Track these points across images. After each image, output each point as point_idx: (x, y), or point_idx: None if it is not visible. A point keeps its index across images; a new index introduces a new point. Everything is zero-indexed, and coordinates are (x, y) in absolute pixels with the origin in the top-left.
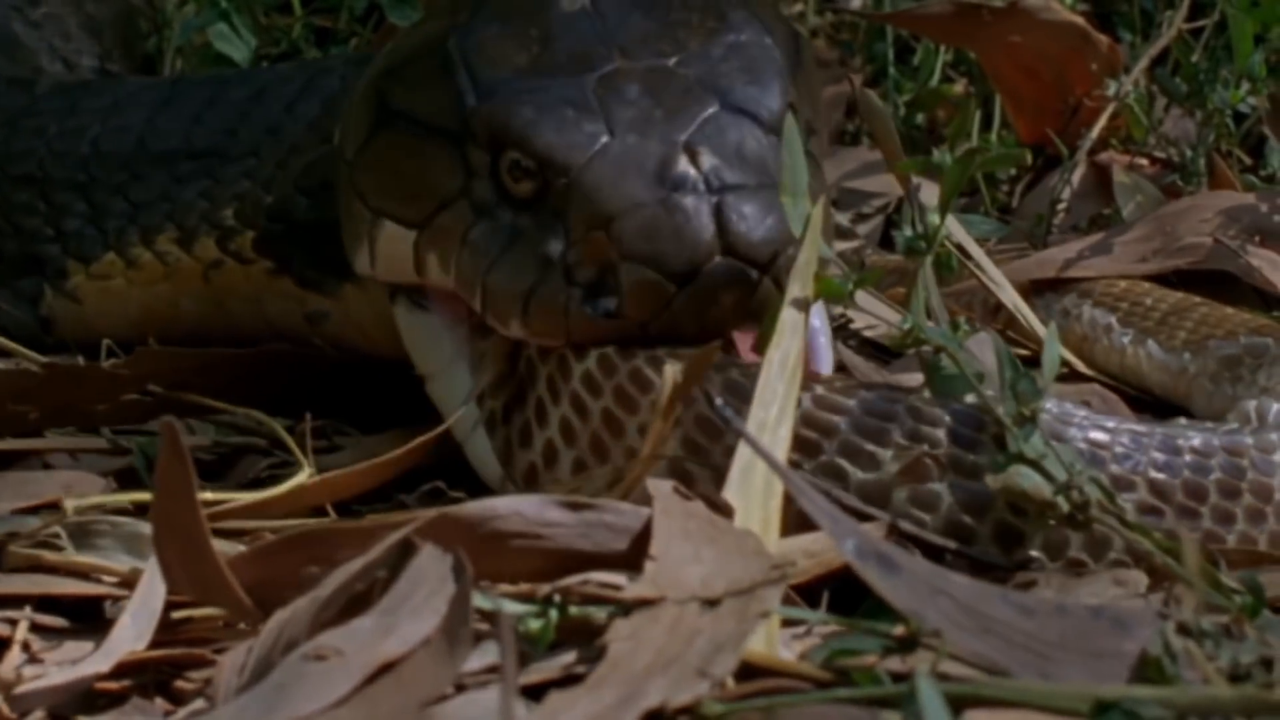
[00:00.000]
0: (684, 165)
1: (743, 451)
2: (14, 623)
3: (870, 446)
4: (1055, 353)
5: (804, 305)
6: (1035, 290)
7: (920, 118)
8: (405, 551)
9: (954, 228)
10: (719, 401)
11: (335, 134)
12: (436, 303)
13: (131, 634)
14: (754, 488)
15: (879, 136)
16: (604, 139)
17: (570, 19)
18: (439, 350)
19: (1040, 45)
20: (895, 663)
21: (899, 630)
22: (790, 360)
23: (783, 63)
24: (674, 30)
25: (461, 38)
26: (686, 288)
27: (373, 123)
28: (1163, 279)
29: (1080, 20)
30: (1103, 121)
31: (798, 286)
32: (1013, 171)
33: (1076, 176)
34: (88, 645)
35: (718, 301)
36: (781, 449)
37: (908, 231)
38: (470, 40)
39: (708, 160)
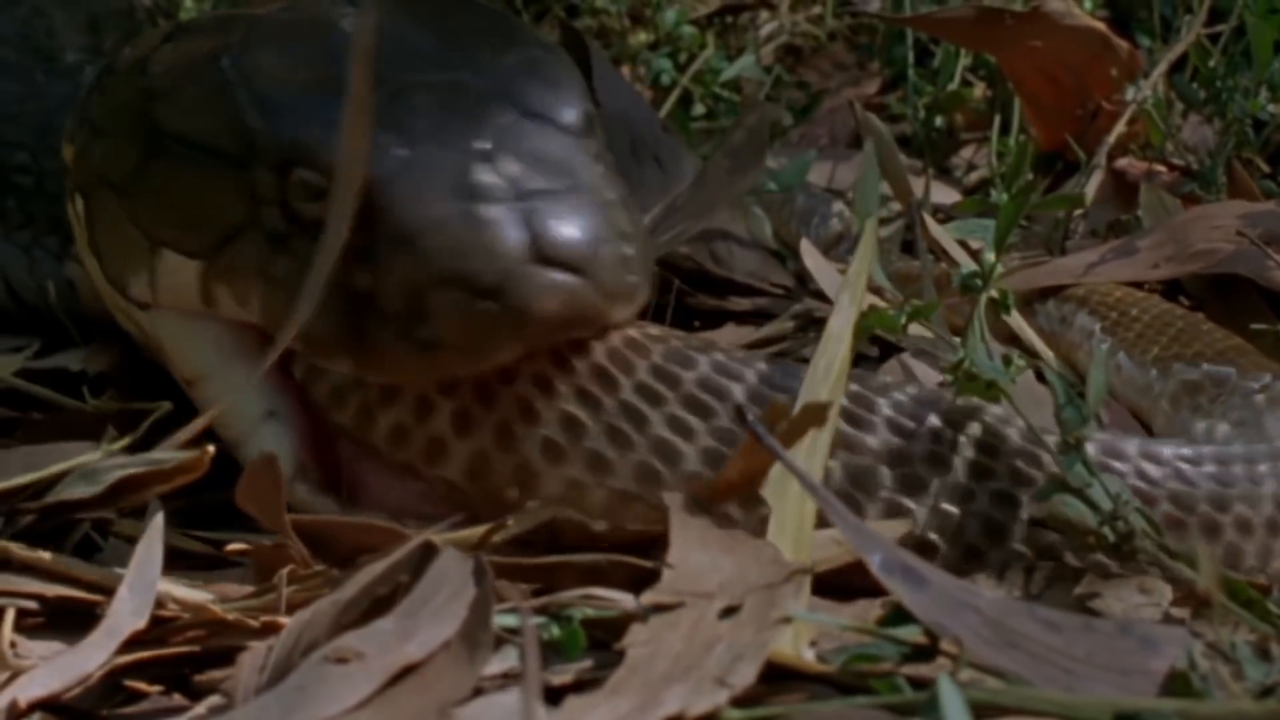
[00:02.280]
0: (485, 174)
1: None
2: None
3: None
4: (1101, 380)
5: (852, 316)
6: (1039, 296)
7: (939, 121)
8: (427, 554)
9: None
10: (751, 416)
11: (63, 141)
12: None
13: (129, 610)
14: (789, 492)
15: (882, 161)
16: (401, 151)
17: (349, 40)
18: (207, 351)
19: (1061, 50)
20: (914, 670)
21: (919, 638)
22: (834, 368)
23: (576, 70)
24: (461, 48)
25: (236, 57)
26: (501, 303)
27: (144, 147)
28: (1177, 285)
29: (1101, 26)
30: (1121, 127)
31: (847, 296)
32: (1030, 176)
33: (1095, 182)
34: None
35: (536, 314)
36: (820, 458)
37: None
38: (247, 60)
39: (510, 167)
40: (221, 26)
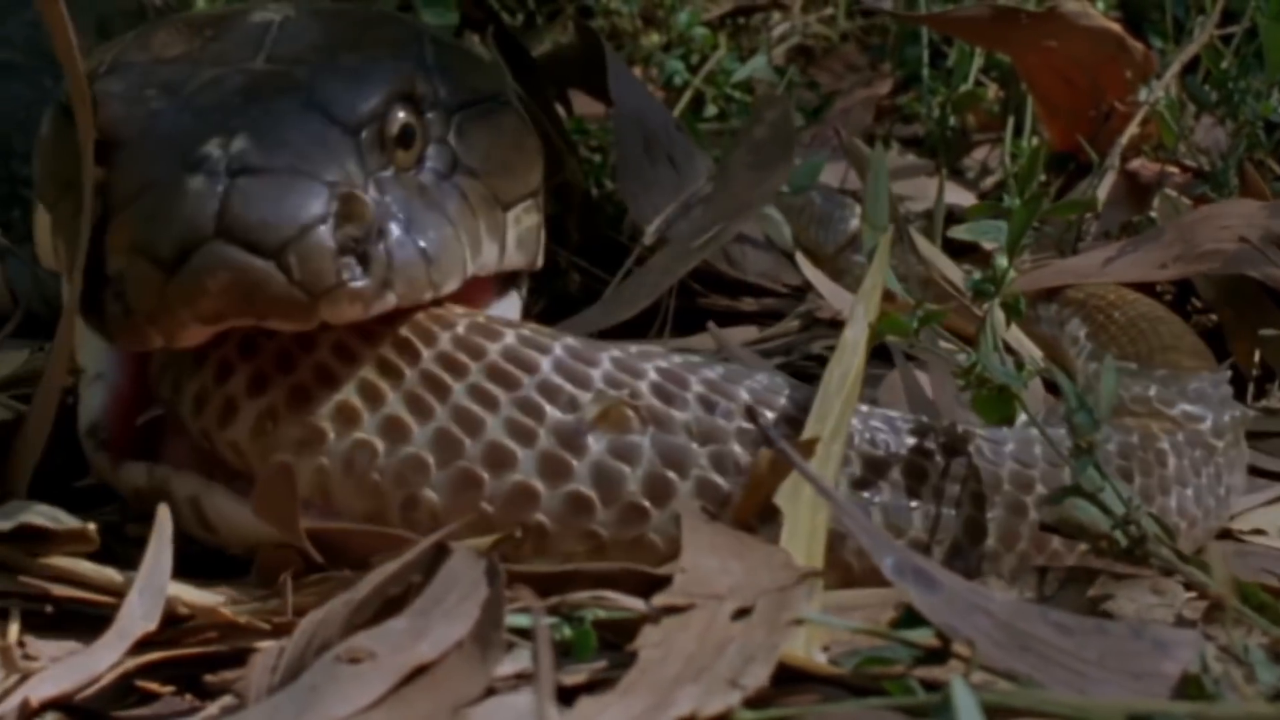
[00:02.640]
0: (212, 148)
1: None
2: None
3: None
4: (1113, 384)
5: (866, 328)
6: (1037, 299)
7: (953, 121)
8: (439, 555)
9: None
10: (764, 418)
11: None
12: None
13: (139, 613)
14: (802, 500)
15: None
16: (158, 121)
17: (241, 28)
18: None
19: (1076, 51)
20: (926, 673)
21: (931, 640)
22: (848, 379)
23: (396, 70)
24: (335, 43)
25: (137, 36)
26: (176, 275)
27: (51, 123)
28: (1189, 288)
29: (1116, 27)
30: (1134, 128)
31: (862, 307)
32: (1043, 177)
33: (1108, 184)
34: (82, 645)
35: (206, 289)
36: (833, 466)
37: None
38: (144, 33)
39: (238, 144)
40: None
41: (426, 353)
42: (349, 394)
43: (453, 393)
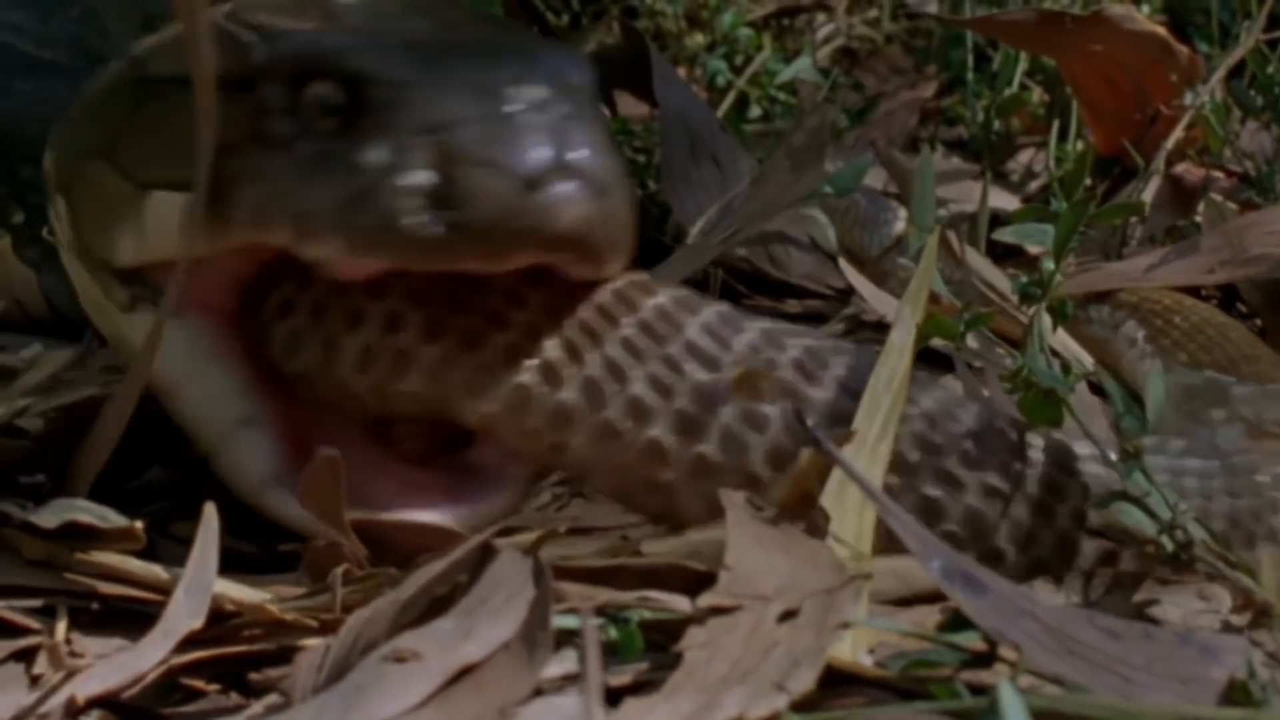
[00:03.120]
0: (515, 89)
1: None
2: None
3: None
4: (1161, 390)
5: (913, 330)
6: (1086, 301)
7: (997, 124)
8: (485, 555)
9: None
10: (810, 421)
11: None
12: (193, 307)
13: (186, 611)
14: (849, 500)
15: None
16: (428, 66)
17: (349, 8)
18: (183, 355)
19: (1121, 55)
20: (972, 677)
21: (978, 644)
22: (896, 379)
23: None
24: (461, 24)
25: (232, 11)
26: (529, 198)
27: (134, 102)
28: (1234, 293)
29: (1161, 30)
30: (1179, 132)
31: (909, 309)
32: (1088, 181)
33: (1153, 188)
34: (129, 642)
35: (559, 218)
36: (880, 466)
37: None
38: (243, 13)
39: (538, 91)
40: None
41: (586, 306)
42: (516, 337)
43: (605, 344)
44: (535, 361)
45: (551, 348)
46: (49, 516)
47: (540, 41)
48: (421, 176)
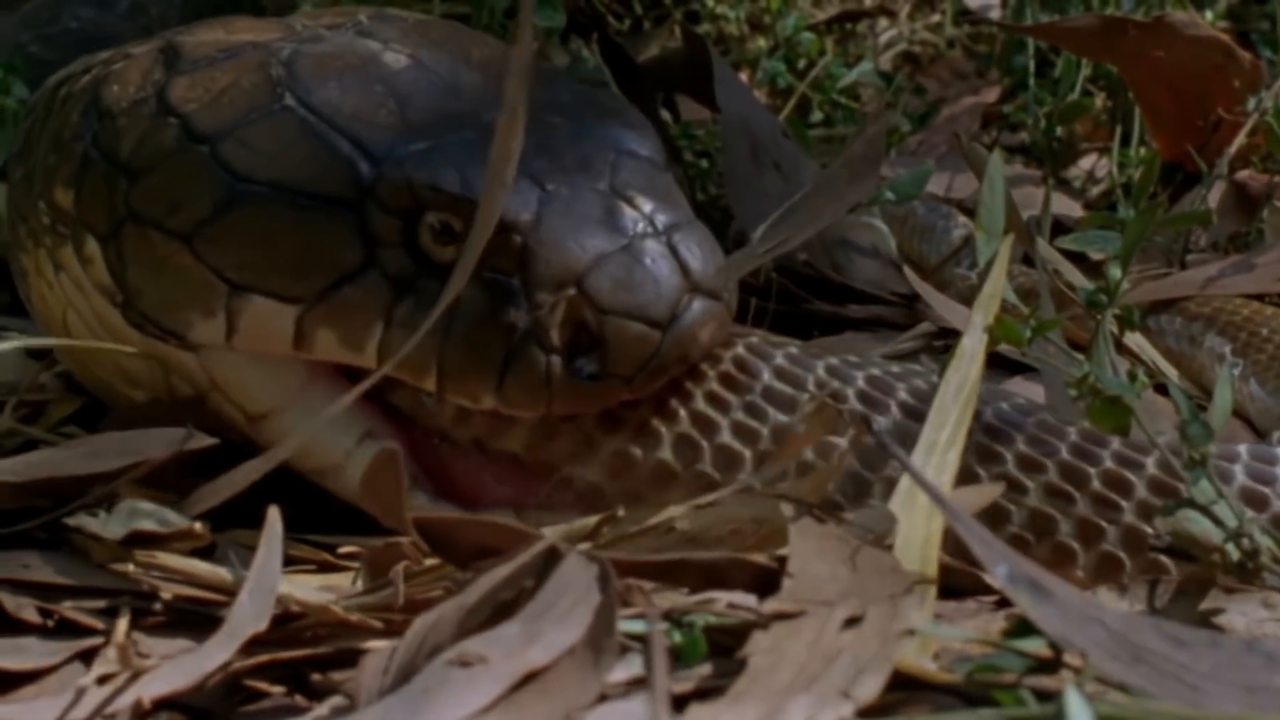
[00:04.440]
0: (627, 211)
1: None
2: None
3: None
4: (1228, 397)
5: (985, 334)
6: (1154, 309)
7: (1059, 130)
8: (551, 559)
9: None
10: (879, 426)
11: (45, 185)
12: None
13: (250, 613)
14: (918, 506)
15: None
16: (538, 192)
17: (405, 76)
18: (281, 384)
19: (1184, 61)
20: (1037, 683)
21: (1043, 651)
22: (966, 386)
23: (624, 100)
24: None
25: (299, 92)
26: (670, 333)
27: (224, 195)
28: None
29: (1224, 37)
30: (1242, 139)
31: (980, 316)
32: (1151, 189)
33: (1216, 194)
34: (194, 644)
35: (699, 341)
36: (949, 472)
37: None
38: (315, 98)
39: (644, 204)
40: (234, 53)
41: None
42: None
43: (694, 398)
44: (632, 424)
45: (646, 409)
46: (115, 527)
47: (591, 103)
48: (566, 332)
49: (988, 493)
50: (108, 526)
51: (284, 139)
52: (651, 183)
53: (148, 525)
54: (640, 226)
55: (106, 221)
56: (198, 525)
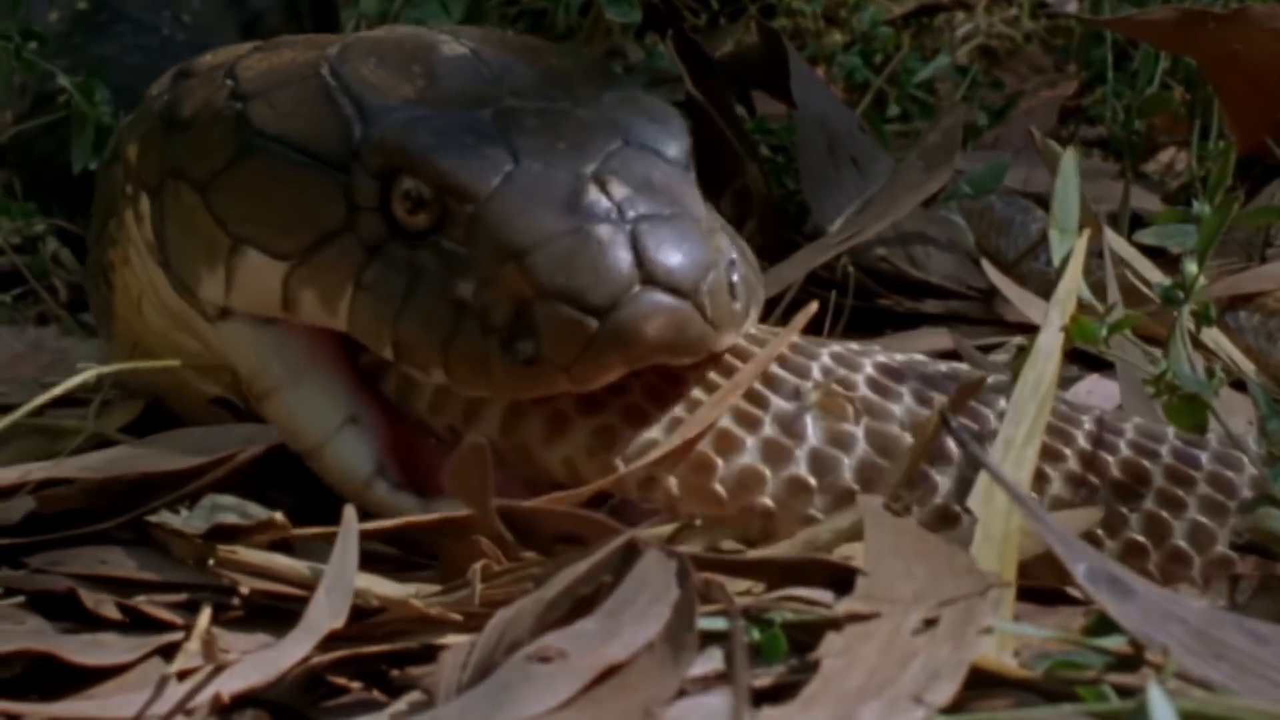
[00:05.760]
0: (595, 194)
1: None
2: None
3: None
4: None
5: (1060, 334)
6: (1231, 305)
7: (1138, 124)
8: (629, 554)
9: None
10: (956, 423)
11: (122, 144)
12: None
13: (327, 610)
14: (997, 504)
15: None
16: (509, 166)
17: (452, 62)
18: (280, 362)
19: (1264, 53)
20: (1118, 680)
21: (1124, 648)
22: (1043, 383)
23: (676, 110)
24: (561, 80)
25: (336, 67)
26: (608, 322)
27: (234, 144)
28: None
29: None
30: None
31: (1056, 313)
32: (1229, 182)
33: None
34: (272, 638)
35: (641, 335)
36: (1027, 469)
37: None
38: (347, 70)
39: (618, 190)
40: (313, 42)
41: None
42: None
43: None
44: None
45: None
46: (198, 521)
47: (635, 103)
48: (505, 311)
49: (1087, 518)
50: (190, 522)
51: (302, 100)
52: (648, 175)
53: (229, 519)
54: (601, 211)
55: (156, 176)
56: (279, 516)
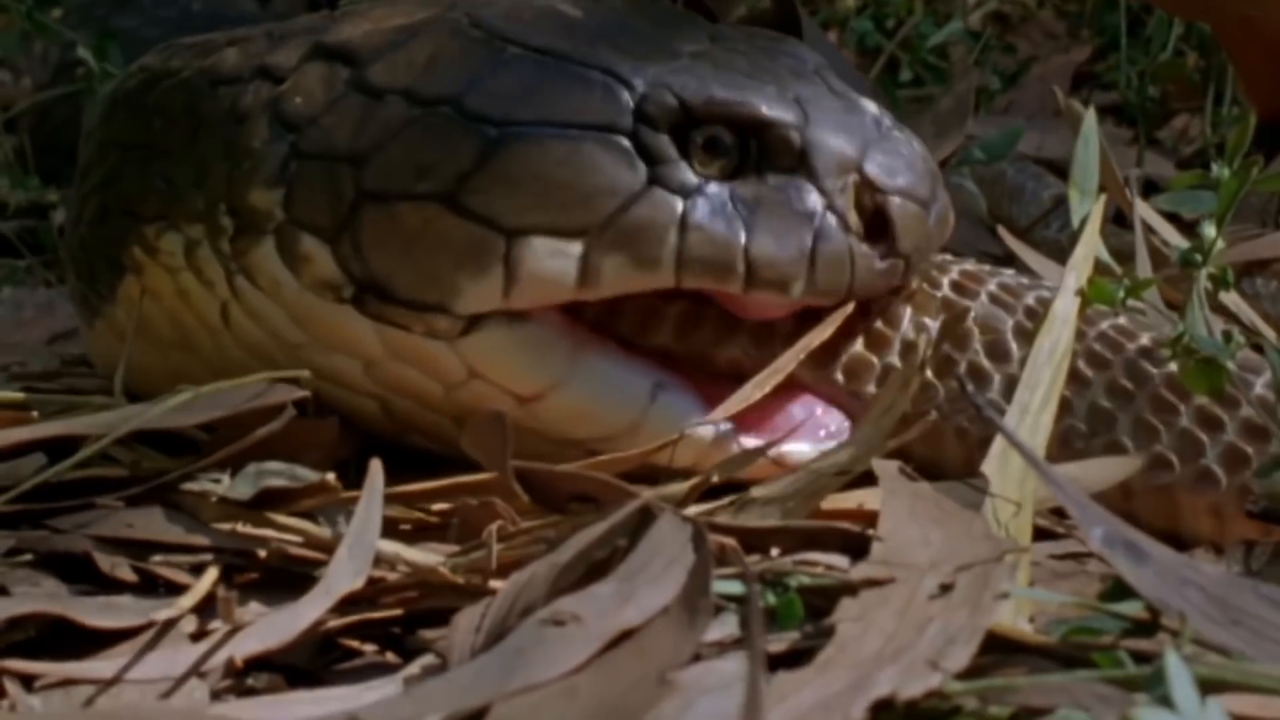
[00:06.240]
0: (869, 108)
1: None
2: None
3: None
4: None
5: (1078, 296)
6: (1247, 271)
7: (1152, 90)
8: (645, 519)
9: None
10: (971, 388)
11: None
12: (538, 313)
13: (348, 571)
14: (1012, 466)
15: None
16: (793, 95)
17: (588, 20)
18: (546, 361)
19: (1278, 20)
20: (1134, 645)
21: (1140, 613)
22: (1059, 349)
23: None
24: (692, 24)
25: (523, 42)
26: (932, 213)
27: (484, 142)
28: None
29: None
30: None
31: (1073, 279)
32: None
33: None
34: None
35: (949, 220)
36: (1042, 435)
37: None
38: (535, 41)
39: (868, 103)
40: (416, 33)
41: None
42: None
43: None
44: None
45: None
46: (243, 488)
47: (770, 38)
48: (857, 216)
49: (1125, 466)
50: (236, 489)
51: (530, 81)
52: (856, 86)
53: (278, 483)
54: (887, 122)
55: (331, 214)
56: (330, 477)
